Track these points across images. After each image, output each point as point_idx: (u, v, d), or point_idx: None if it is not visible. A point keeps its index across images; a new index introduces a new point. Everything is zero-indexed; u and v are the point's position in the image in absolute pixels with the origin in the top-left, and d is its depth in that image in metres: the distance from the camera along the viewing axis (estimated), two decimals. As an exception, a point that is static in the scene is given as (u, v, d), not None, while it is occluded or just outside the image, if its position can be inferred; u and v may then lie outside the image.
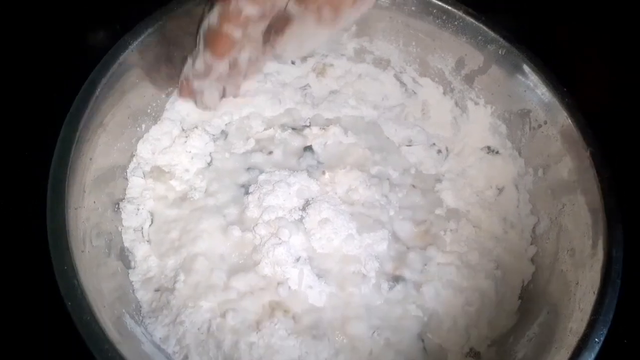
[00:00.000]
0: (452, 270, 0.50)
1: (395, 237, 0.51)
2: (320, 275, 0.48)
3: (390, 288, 0.49)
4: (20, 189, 0.50)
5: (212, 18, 0.41)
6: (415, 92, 0.59)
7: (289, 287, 0.47)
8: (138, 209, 0.48)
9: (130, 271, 0.46)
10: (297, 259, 0.48)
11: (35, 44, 0.57)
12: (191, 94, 0.46)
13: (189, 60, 0.45)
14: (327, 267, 0.49)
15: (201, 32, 0.42)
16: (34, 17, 0.59)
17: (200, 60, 0.43)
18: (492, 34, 0.52)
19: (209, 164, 0.53)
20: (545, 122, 0.51)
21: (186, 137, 0.53)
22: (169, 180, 0.51)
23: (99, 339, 0.35)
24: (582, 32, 0.57)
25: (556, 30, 0.59)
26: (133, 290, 0.45)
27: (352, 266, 0.48)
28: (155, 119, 0.52)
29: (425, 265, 0.50)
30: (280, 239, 0.48)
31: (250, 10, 0.41)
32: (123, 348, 0.36)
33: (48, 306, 0.44)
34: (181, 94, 0.47)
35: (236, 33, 0.42)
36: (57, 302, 0.44)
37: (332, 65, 0.59)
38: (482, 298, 0.49)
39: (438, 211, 0.53)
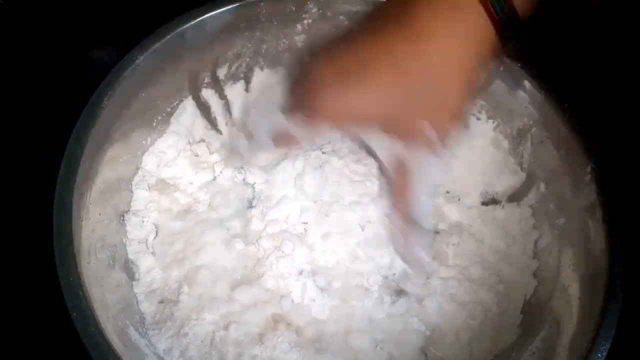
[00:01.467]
0: (454, 284, 0.50)
1: (398, 251, 0.51)
2: (323, 288, 0.48)
3: (393, 302, 0.49)
4: (20, 188, 0.51)
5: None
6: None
7: (292, 300, 0.47)
8: (143, 221, 0.49)
9: (134, 283, 0.46)
10: (300, 272, 0.48)
11: (40, 55, 0.58)
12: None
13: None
14: (330, 280, 0.49)
15: None
16: (40, 29, 0.60)
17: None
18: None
19: (214, 178, 0.53)
20: (547, 138, 0.51)
21: (191, 150, 0.53)
22: (173, 193, 0.51)
23: (104, 350, 0.36)
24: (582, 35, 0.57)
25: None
26: (137, 302, 0.45)
27: (354, 279, 0.49)
28: (161, 132, 0.52)
29: (428, 279, 0.50)
30: (283, 252, 0.48)
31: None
32: (127, 359, 0.36)
33: (48, 306, 0.44)
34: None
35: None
36: (57, 302, 0.44)
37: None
38: (484, 312, 0.50)
39: (441, 225, 0.54)
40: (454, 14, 0.40)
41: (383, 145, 0.45)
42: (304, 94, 0.43)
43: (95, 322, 0.37)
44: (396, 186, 0.47)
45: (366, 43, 0.41)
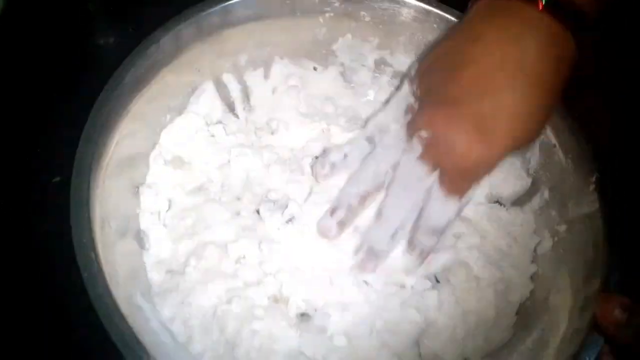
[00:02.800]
0: (455, 280, 0.51)
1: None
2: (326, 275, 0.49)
3: (394, 292, 0.50)
4: (20, 188, 0.52)
5: None
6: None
7: (293, 283, 0.48)
8: (157, 195, 0.50)
9: (144, 252, 0.48)
10: (306, 257, 0.50)
11: (48, 43, 0.60)
12: None
13: None
14: (332, 267, 0.50)
15: None
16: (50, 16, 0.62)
17: None
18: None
19: (228, 161, 0.55)
20: (555, 146, 0.52)
21: (208, 131, 0.55)
22: (188, 171, 0.53)
23: (111, 311, 0.37)
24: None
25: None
26: (145, 271, 0.47)
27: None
28: (180, 111, 0.54)
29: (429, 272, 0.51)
30: (290, 236, 0.50)
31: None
32: (132, 322, 0.38)
33: (48, 306, 0.47)
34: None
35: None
36: (57, 303, 0.46)
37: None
38: (482, 311, 0.51)
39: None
40: None
41: None
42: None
43: (104, 284, 0.38)
44: None
45: None
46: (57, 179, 0.52)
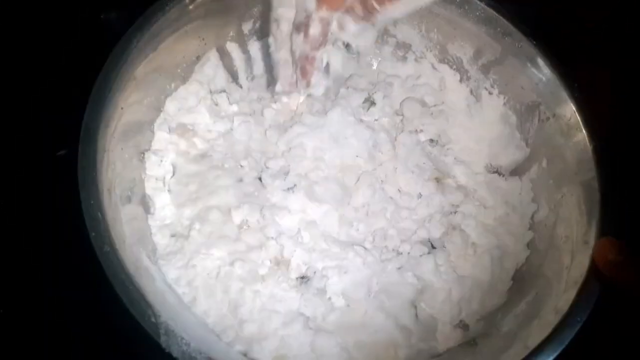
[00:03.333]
0: (451, 246, 0.52)
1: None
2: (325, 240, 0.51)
3: (390, 258, 0.51)
4: (25, 162, 0.53)
5: None
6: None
7: (294, 247, 0.50)
8: (161, 161, 0.51)
9: (149, 216, 0.49)
10: (307, 223, 0.51)
11: (47, 25, 0.59)
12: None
13: (296, 36, 0.48)
14: (332, 234, 0.52)
15: None
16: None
17: (315, 24, 0.47)
18: (511, 26, 0.54)
19: (231, 129, 0.56)
20: (554, 115, 0.53)
21: (212, 99, 0.56)
22: (192, 138, 0.53)
23: (117, 269, 0.39)
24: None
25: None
26: (150, 234, 0.48)
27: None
28: (185, 79, 0.55)
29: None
30: (291, 205, 0.51)
31: None
32: (138, 281, 0.40)
33: (48, 307, 0.48)
34: (305, 77, 0.50)
35: None
36: (57, 303, 0.48)
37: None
38: (477, 276, 0.52)
39: (449, 184, 0.56)
40: None
41: None
42: None
43: (110, 243, 0.40)
44: None
45: None
46: (62, 152, 0.53)
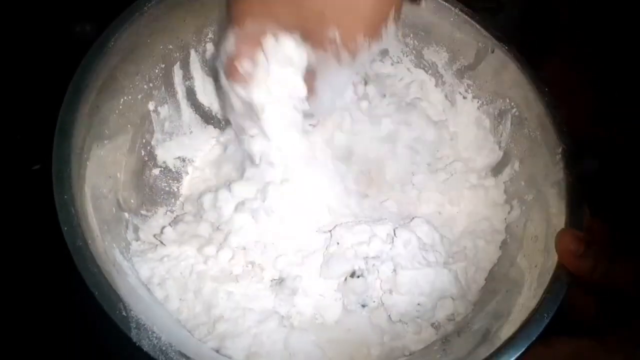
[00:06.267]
0: (427, 246, 0.53)
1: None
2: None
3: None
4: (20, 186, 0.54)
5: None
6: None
7: (267, 256, 0.50)
8: (137, 160, 0.52)
9: (123, 214, 0.49)
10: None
11: (24, 32, 0.60)
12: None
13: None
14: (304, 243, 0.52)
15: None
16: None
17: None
18: (484, 32, 0.55)
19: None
20: (526, 119, 0.54)
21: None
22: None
23: (89, 262, 0.39)
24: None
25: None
26: (124, 231, 0.48)
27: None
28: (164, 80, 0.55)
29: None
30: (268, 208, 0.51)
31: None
32: (110, 275, 0.40)
33: (48, 306, 0.48)
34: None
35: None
36: (57, 302, 0.48)
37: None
38: (451, 278, 0.52)
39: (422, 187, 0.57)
40: None
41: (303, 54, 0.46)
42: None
43: (83, 238, 0.39)
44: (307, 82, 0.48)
45: None
46: (37, 166, 0.53)
